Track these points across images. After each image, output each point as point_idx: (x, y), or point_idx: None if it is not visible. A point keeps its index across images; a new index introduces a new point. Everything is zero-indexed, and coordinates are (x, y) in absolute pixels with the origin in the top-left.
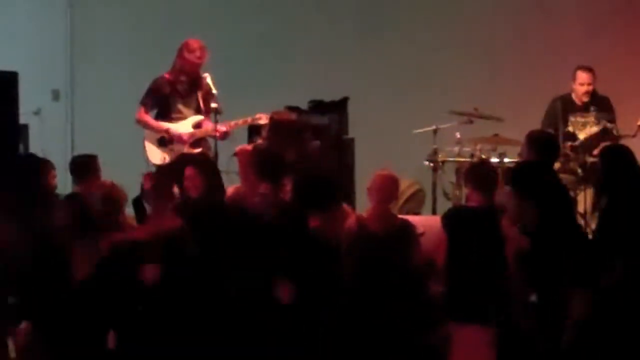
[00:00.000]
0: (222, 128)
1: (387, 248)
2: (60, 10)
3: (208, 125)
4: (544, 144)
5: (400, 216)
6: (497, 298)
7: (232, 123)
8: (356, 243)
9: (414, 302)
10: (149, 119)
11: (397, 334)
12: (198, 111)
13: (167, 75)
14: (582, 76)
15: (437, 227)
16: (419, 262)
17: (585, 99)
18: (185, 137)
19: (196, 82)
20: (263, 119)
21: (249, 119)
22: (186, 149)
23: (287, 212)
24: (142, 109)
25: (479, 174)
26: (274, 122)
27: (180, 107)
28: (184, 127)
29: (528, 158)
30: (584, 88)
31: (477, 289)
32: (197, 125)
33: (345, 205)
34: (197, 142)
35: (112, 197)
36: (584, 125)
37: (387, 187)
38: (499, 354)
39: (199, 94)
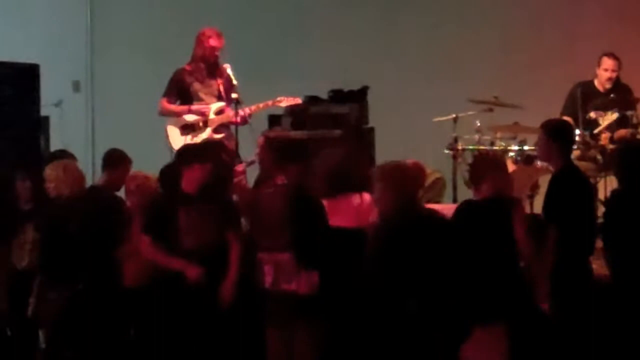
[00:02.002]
0: (242, 112)
1: (412, 239)
2: (81, 2)
3: (229, 112)
4: (560, 132)
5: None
6: (507, 291)
7: (253, 107)
8: (378, 234)
9: (439, 295)
10: (172, 105)
11: (421, 324)
12: (219, 98)
13: (187, 67)
14: (608, 62)
15: None
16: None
17: (608, 85)
18: (208, 111)
19: (215, 69)
20: (284, 102)
21: (270, 102)
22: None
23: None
24: (165, 101)
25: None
26: (269, 140)
27: (202, 95)
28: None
29: (545, 147)
30: (608, 74)
31: (485, 284)
32: (219, 112)
33: (368, 195)
34: (219, 128)
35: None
36: (605, 112)
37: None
38: (512, 346)
39: (219, 81)
